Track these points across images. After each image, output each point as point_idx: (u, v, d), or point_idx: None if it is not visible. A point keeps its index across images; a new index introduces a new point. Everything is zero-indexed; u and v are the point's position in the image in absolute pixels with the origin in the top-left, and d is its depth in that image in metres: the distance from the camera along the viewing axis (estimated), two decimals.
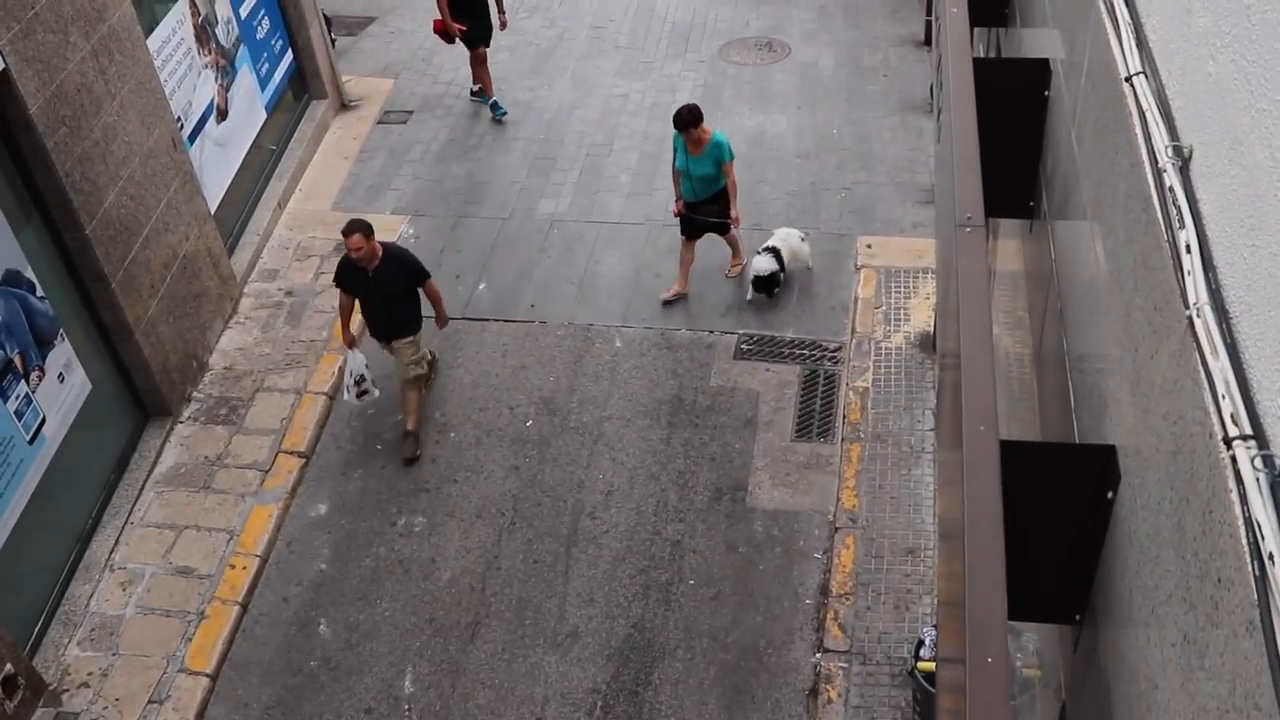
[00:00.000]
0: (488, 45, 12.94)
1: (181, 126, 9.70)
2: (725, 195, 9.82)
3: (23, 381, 7.62)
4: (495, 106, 13.15)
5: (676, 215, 10.12)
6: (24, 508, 7.65)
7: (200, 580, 8.17)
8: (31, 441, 7.72)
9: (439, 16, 12.57)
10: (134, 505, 8.64)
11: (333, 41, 13.48)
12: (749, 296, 10.19)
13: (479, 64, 13.03)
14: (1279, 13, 2.11)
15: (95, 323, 8.51)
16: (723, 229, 10.12)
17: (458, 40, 12.76)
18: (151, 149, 8.96)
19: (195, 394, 9.51)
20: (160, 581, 8.13)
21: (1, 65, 7.15)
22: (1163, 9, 3.02)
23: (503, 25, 12.94)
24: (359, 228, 8.43)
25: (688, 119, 9.43)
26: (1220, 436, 2.17)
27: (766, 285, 10.08)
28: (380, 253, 8.59)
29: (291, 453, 9.07)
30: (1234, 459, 2.09)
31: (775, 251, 10.09)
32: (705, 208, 9.90)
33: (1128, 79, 3.16)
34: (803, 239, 10.35)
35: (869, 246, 10.68)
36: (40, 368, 7.83)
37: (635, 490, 8.72)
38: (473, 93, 13.48)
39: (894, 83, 13.37)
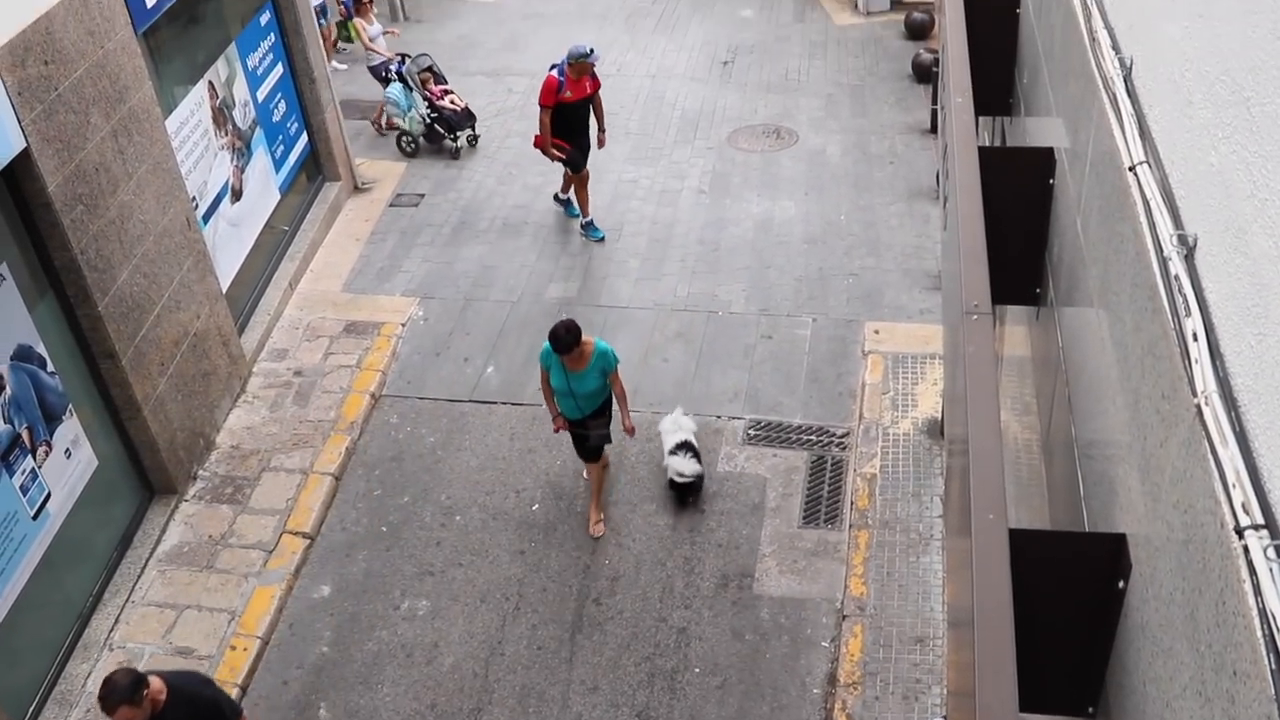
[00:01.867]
0: (586, 165, 12.33)
1: (196, 206, 9.81)
2: (610, 405, 8.74)
3: (30, 456, 7.62)
4: (591, 228, 12.56)
5: (557, 432, 8.87)
6: (25, 584, 7.60)
7: (200, 661, 8.08)
8: (35, 517, 7.70)
9: (539, 132, 12.00)
10: (136, 583, 8.59)
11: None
12: (667, 490, 9.20)
13: (581, 185, 12.43)
14: (1278, 105, 2.14)
15: (104, 399, 8.54)
16: (598, 451, 8.89)
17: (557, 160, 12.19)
18: (166, 228, 9.05)
19: (201, 472, 9.50)
20: (159, 662, 8.04)
21: (23, 144, 7.26)
22: (1165, 100, 3.05)
23: (600, 143, 12.41)
24: (122, 697, 5.55)
25: (568, 340, 8.06)
26: (1232, 526, 2.16)
27: (693, 491, 9.09)
28: (164, 699, 5.79)
29: (296, 533, 9.02)
30: (1246, 549, 2.07)
31: (691, 448, 9.11)
32: (594, 422, 8.67)
33: (1131, 168, 3.19)
34: (685, 413, 9.55)
35: (876, 332, 10.70)
36: (48, 443, 7.83)
37: (641, 576, 8.65)
38: (557, 198, 13.15)
39: (900, 170, 13.50)
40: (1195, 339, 2.52)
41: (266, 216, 11.57)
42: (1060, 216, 4.79)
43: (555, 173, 13.88)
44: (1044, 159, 4.94)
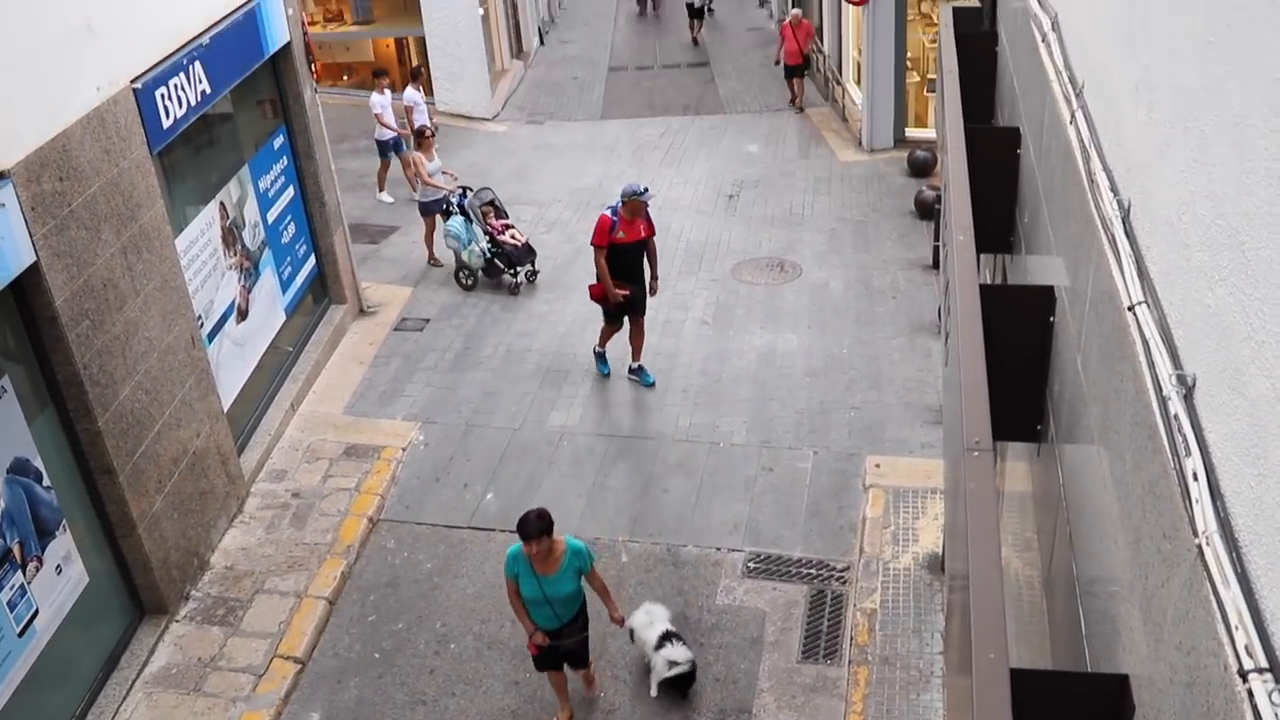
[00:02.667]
0: (640, 312, 11.95)
1: (202, 324, 9.88)
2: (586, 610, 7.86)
3: (19, 572, 7.54)
4: (641, 371, 12.23)
5: (535, 653, 7.80)
6: (6, 703, 7.45)
7: None
8: (21, 634, 7.58)
9: (595, 281, 11.68)
10: (120, 705, 8.41)
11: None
12: (653, 694, 8.42)
13: (638, 333, 12.04)
14: (1271, 250, 2.16)
15: (99, 515, 8.48)
16: (583, 658, 8.08)
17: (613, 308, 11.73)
18: (170, 345, 9.10)
19: (194, 592, 9.39)
20: None
21: (33, 258, 7.34)
22: (1162, 242, 3.09)
23: (652, 290, 11.92)
24: None
25: (539, 526, 7.20)
26: (1235, 669, 2.12)
27: (691, 679, 8.35)
28: None
29: (287, 658, 8.87)
30: (1250, 692, 2.03)
31: (677, 636, 8.42)
32: (571, 629, 7.76)
33: (1130, 308, 3.21)
34: (654, 601, 8.89)
35: (878, 466, 10.66)
36: (39, 558, 7.75)
37: (637, 710, 8.47)
38: (631, 369, 12.42)
39: (903, 304, 13.62)
40: (1196, 479, 2.51)
41: (271, 337, 11.65)
42: (1061, 354, 4.81)
43: (561, 300, 14.00)
44: (1045, 297, 4.98)
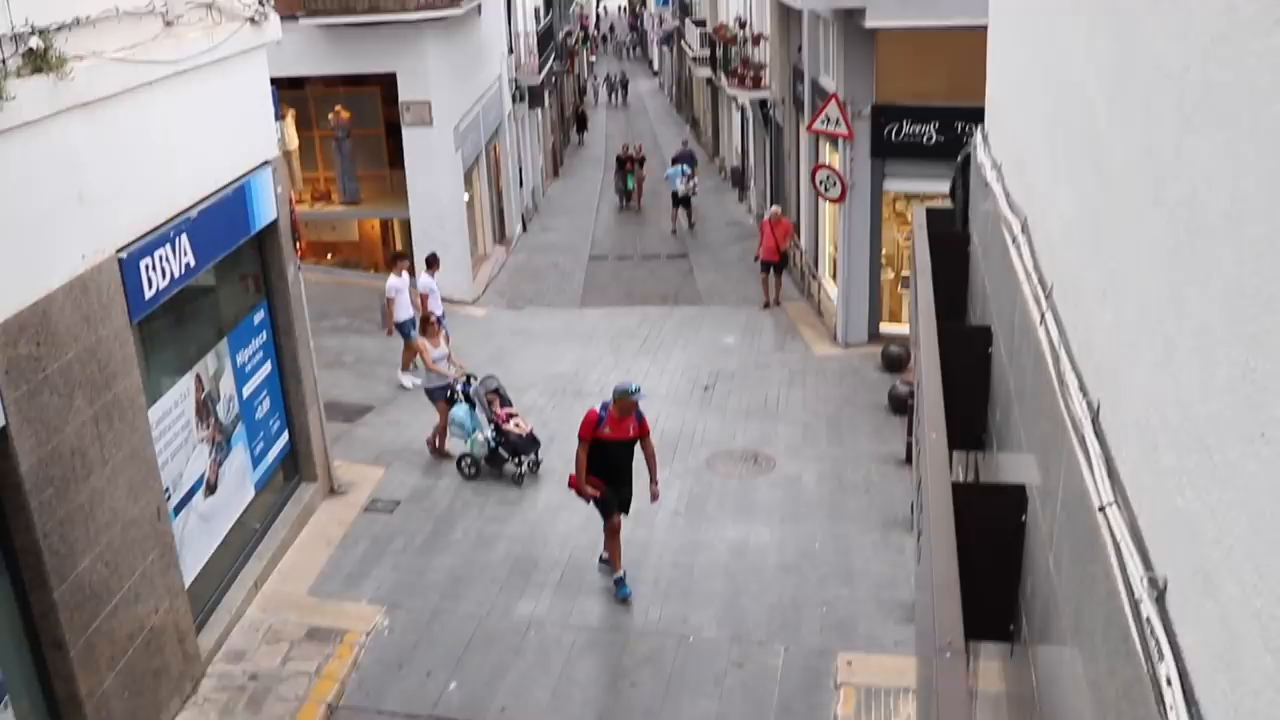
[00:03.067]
0: (626, 513, 11.71)
1: (169, 497, 9.76)
2: None
3: None
4: (620, 584, 11.68)
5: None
6: None
7: None
8: None
9: (575, 468, 11.43)
10: None
11: None
12: None
13: (611, 534, 11.63)
14: (1236, 454, 2.18)
15: (45, 692, 8.17)
16: None
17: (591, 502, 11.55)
18: (135, 517, 8.96)
19: None
20: None
21: (2, 423, 7.27)
22: (1132, 443, 3.11)
23: (653, 496, 11.62)
24: None
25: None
26: None
27: None
28: None
29: None
30: None
31: None
32: None
33: (1101, 508, 3.21)
34: None
35: (849, 663, 10.47)
36: None
37: None
38: (601, 559, 12.18)
39: (876, 499, 13.59)
40: (1169, 684, 2.47)
41: (239, 513, 11.50)
42: (1033, 553, 4.78)
43: (533, 488, 13.93)
44: (1016, 496, 4.98)
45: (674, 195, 32.20)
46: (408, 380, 17.21)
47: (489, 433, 14.06)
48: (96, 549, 8.42)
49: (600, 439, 11.24)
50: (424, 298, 17.48)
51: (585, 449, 11.27)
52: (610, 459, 11.35)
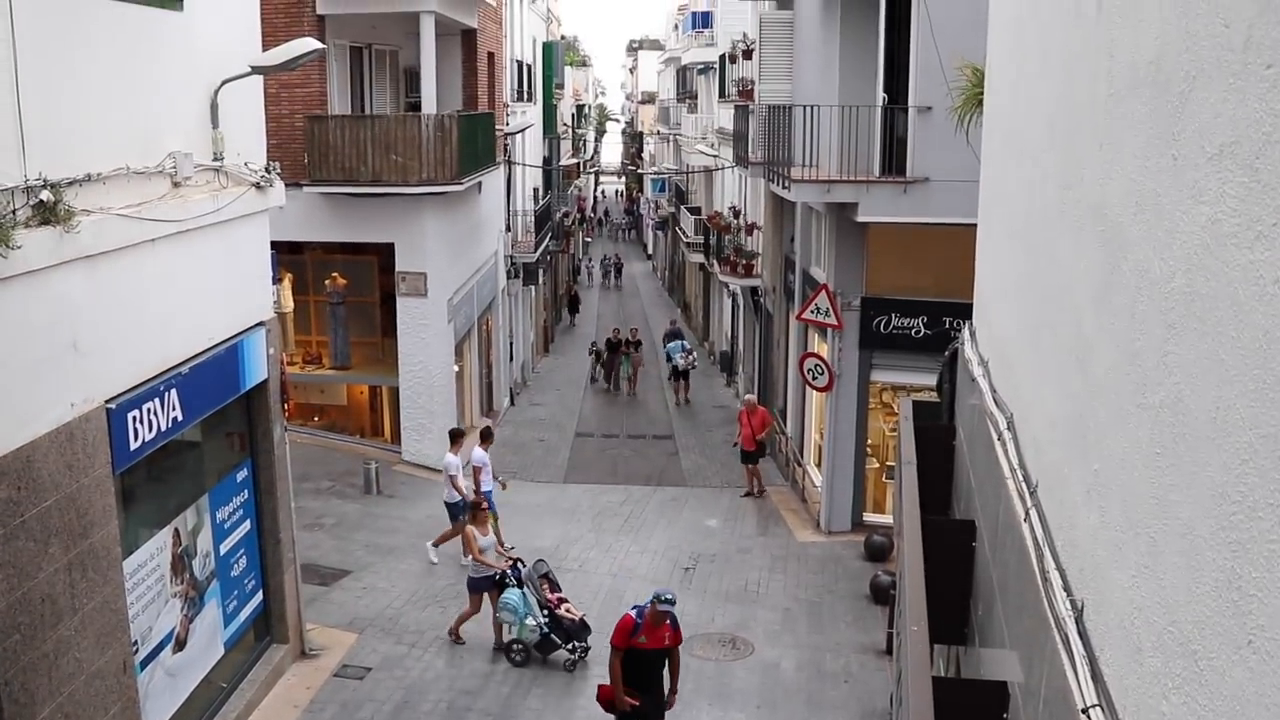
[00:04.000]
0: None
1: (136, 650, 9.55)
2: None
3: None
4: None
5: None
6: None
7: None
8: None
9: (605, 682, 11.04)
10: None
11: None
12: None
13: None
14: (1223, 661, 2.19)
15: None
16: None
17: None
18: (100, 669, 8.75)
19: None
20: None
21: None
22: (1116, 645, 3.10)
23: (669, 703, 11.16)
24: None
25: None
26: None
27: None
28: None
29: None
30: None
31: None
32: None
33: (1085, 710, 3.19)
34: None
35: None
36: None
37: None
38: None
39: (855, 690, 13.36)
40: None
41: (206, 670, 11.22)
42: None
43: (504, 662, 13.67)
44: (998, 693, 4.93)
45: (674, 369, 32.92)
46: (434, 555, 16.86)
47: (542, 618, 13.62)
48: (57, 700, 8.20)
49: (635, 647, 10.66)
50: (476, 470, 17.26)
51: (619, 657, 10.70)
52: (642, 669, 10.77)
